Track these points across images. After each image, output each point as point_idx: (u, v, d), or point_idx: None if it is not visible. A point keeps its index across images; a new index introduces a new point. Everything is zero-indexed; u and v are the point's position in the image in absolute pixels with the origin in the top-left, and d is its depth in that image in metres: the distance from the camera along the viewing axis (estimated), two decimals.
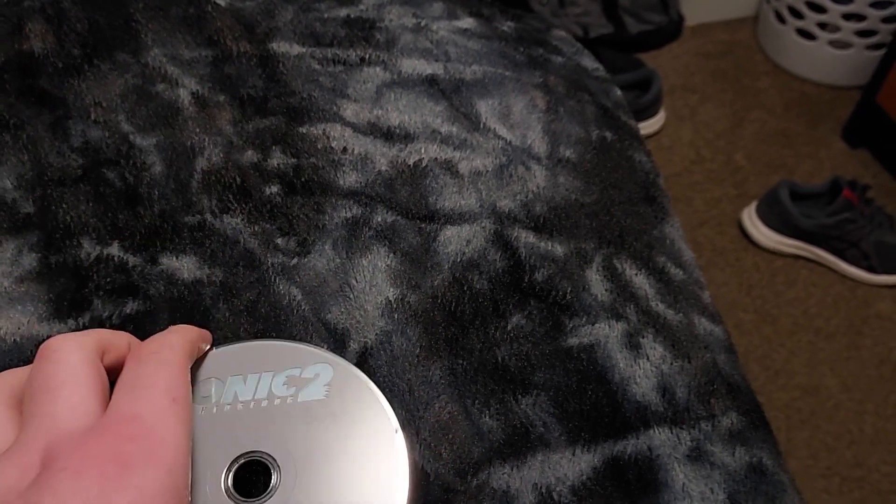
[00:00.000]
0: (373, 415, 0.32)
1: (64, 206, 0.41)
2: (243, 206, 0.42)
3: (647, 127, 1.43)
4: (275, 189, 0.43)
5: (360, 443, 0.31)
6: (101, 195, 0.41)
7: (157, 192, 0.42)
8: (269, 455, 0.30)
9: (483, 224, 0.43)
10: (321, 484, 0.30)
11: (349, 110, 0.47)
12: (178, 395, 0.26)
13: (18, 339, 0.36)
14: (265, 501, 0.29)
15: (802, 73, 1.56)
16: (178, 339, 0.29)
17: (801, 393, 1.14)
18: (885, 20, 1.41)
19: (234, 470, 0.30)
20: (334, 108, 0.47)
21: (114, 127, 0.44)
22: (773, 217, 1.26)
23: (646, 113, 1.41)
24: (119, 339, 0.28)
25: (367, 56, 0.51)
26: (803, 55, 1.53)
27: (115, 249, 0.39)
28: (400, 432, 0.32)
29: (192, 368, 0.30)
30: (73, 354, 0.26)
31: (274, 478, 0.30)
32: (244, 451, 0.30)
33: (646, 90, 1.41)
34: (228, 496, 0.29)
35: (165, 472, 0.23)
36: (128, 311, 0.37)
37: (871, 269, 1.24)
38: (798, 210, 1.25)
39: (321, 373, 0.32)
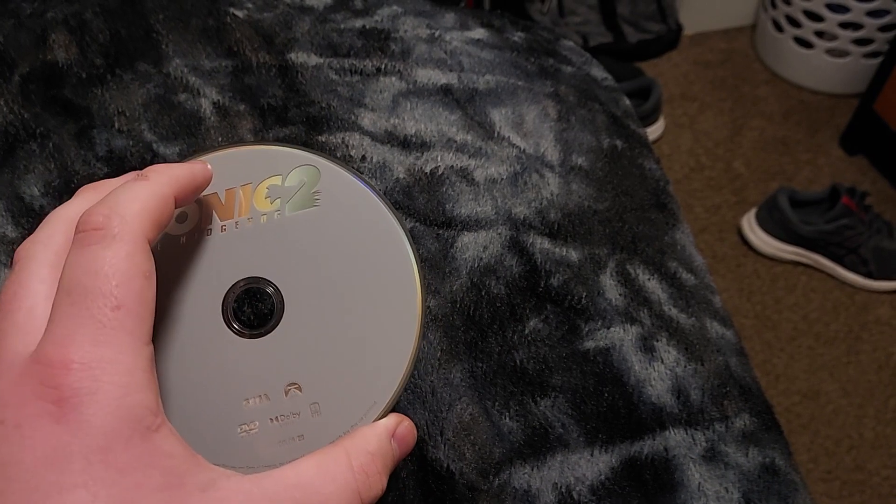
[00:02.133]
0: (376, 225, 0.28)
1: None
2: None
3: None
4: None
5: (365, 260, 0.28)
6: (270, 309, 0.42)
7: None
8: (266, 280, 0.27)
9: (499, 230, 0.45)
10: (329, 310, 0.27)
11: (367, 119, 0.49)
12: (122, 300, 0.22)
13: None
14: (271, 330, 0.27)
15: (800, 82, 1.58)
16: (132, 200, 0.23)
17: (801, 398, 1.15)
18: (882, 29, 1.43)
19: (231, 303, 0.27)
20: (352, 117, 0.48)
21: (137, 136, 0.45)
22: (773, 224, 1.28)
23: (645, 121, 1.43)
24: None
25: (383, 66, 0.52)
26: (801, 63, 1.55)
27: None
28: (409, 246, 0.28)
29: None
30: (36, 263, 0.24)
31: (276, 306, 0.27)
32: (237, 279, 0.27)
33: (645, 98, 1.42)
34: (231, 329, 0.27)
35: (115, 405, 0.21)
36: None
37: (869, 275, 1.25)
38: (797, 217, 1.26)
39: (306, 179, 0.28)
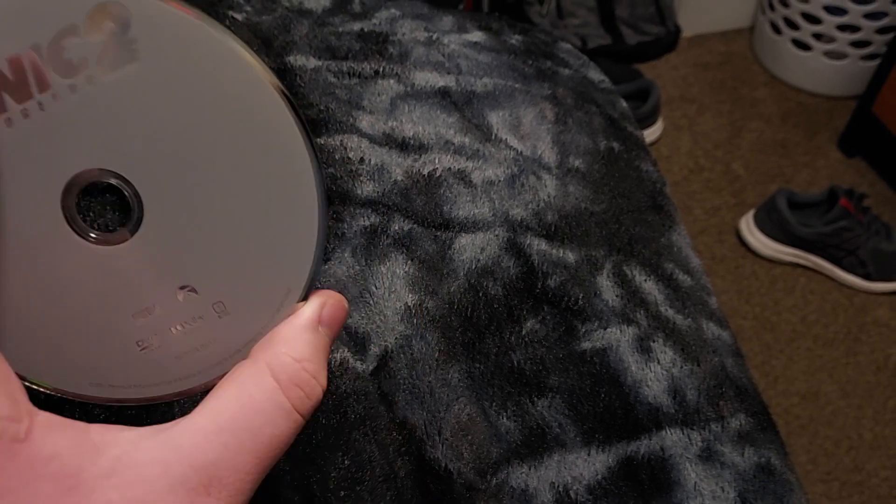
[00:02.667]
0: (216, 64, 0.22)
1: (91, 214, 0.42)
2: None
3: (645, 137, 1.45)
4: None
5: (217, 112, 0.22)
6: (127, 206, 0.42)
7: None
8: (115, 173, 0.22)
9: (496, 232, 0.45)
10: (202, 193, 0.22)
11: (365, 122, 0.49)
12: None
13: None
14: (138, 230, 0.22)
15: (799, 84, 1.58)
16: None
17: (799, 399, 1.15)
18: (880, 31, 1.43)
19: (72, 208, 0.22)
20: (351, 119, 0.49)
21: None
22: (771, 225, 1.28)
23: (644, 123, 1.43)
24: None
25: (381, 69, 0.52)
26: (799, 66, 1.55)
27: None
28: (265, 74, 0.22)
29: None
30: None
31: (135, 202, 0.22)
32: (69, 177, 0.22)
33: (644, 100, 1.43)
34: (87, 239, 0.22)
35: None
36: None
37: (867, 277, 1.26)
38: (795, 218, 1.27)
39: (112, 23, 0.21)
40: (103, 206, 0.23)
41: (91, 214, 0.22)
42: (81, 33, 0.20)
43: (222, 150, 0.22)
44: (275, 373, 0.21)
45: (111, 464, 0.19)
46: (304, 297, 0.23)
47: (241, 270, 0.23)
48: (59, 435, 0.19)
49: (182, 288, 0.22)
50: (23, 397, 0.19)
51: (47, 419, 0.19)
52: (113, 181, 0.22)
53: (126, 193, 0.22)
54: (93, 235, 0.22)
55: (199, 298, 0.22)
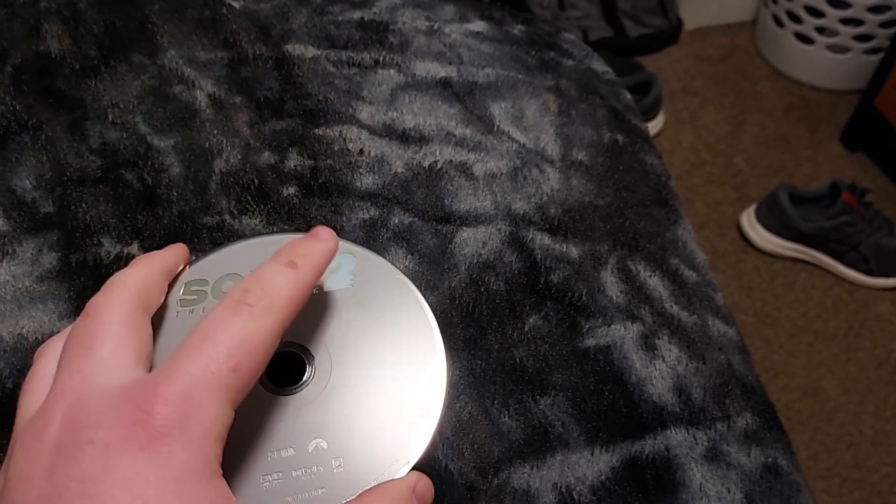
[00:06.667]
0: (404, 303, 0.31)
1: (84, 205, 0.41)
2: (262, 207, 0.42)
3: None
4: (292, 191, 0.43)
5: (393, 332, 0.30)
6: (120, 196, 0.41)
7: (175, 194, 0.42)
8: (301, 345, 0.30)
9: (498, 226, 0.44)
10: (358, 375, 0.29)
11: (364, 112, 0.48)
12: (240, 365, 0.24)
13: (40, 337, 0.36)
14: (301, 390, 0.29)
15: (801, 78, 1.57)
16: (283, 286, 0.26)
17: (800, 395, 1.14)
18: (883, 25, 1.42)
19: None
20: (350, 110, 0.48)
21: (131, 128, 0.44)
22: (773, 220, 1.27)
23: (646, 116, 1.42)
24: (163, 284, 0.29)
25: (382, 58, 0.51)
26: (802, 59, 1.54)
27: (134, 249, 0.39)
28: (433, 321, 0.31)
29: (200, 271, 0.30)
30: (114, 312, 0.25)
31: (308, 368, 0.29)
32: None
33: (645, 93, 1.42)
34: (264, 387, 0.29)
35: (196, 446, 0.22)
36: None
37: (869, 272, 1.25)
38: (797, 213, 1.26)
39: (343, 262, 0.31)
40: (285, 366, 0.29)
41: (275, 370, 0.28)
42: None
43: (384, 347, 0.30)
44: None
45: None
46: (406, 472, 0.28)
47: (366, 438, 0.28)
48: (230, 494, 0.24)
49: (316, 439, 0.28)
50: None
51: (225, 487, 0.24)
52: (300, 352, 0.29)
53: (306, 361, 0.29)
54: (270, 385, 0.29)
55: (325, 451, 0.28)
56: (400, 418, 0.29)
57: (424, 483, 0.28)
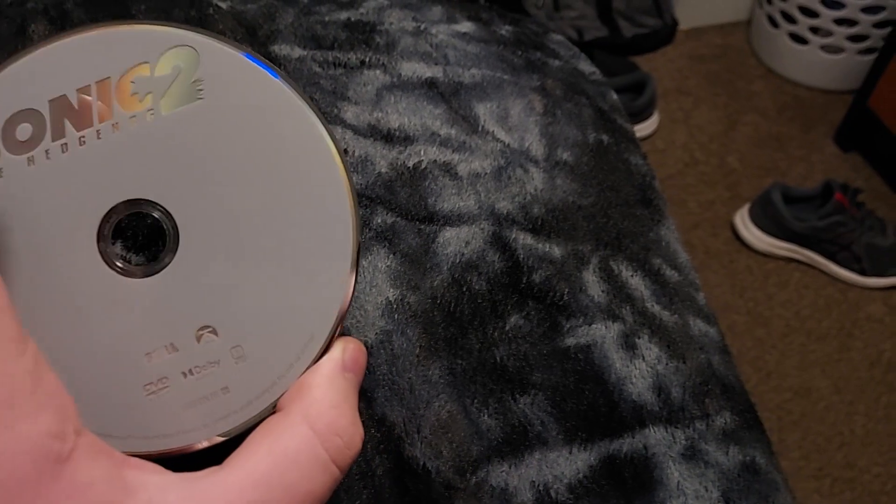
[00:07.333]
0: (277, 110, 0.23)
1: None
2: None
3: (641, 130, 1.44)
4: None
5: (277, 165, 0.22)
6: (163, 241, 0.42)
7: None
8: (154, 203, 0.22)
9: (482, 225, 0.44)
10: (238, 233, 0.22)
11: (349, 112, 0.48)
12: None
13: None
14: (166, 265, 0.22)
15: (795, 77, 1.57)
16: None
17: (792, 394, 1.15)
18: (877, 25, 1.43)
19: (107, 236, 0.22)
20: (335, 110, 0.48)
21: None
22: (766, 220, 1.27)
23: (640, 116, 1.42)
24: None
25: (368, 59, 0.51)
26: (796, 59, 1.54)
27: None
28: (328, 139, 0.23)
29: None
30: None
31: (169, 235, 0.22)
32: (111, 205, 0.22)
33: (640, 93, 1.42)
34: (115, 269, 0.22)
35: (1, 450, 0.16)
36: None
37: (861, 272, 1.25)
38: (790, 213, 1.26)
39: (182, 64, 0.22)
40: (135, 236, 0.22)
41: (123, 244, 0.22)
42: (152, 70, 0.22)
43: (265, 196, 0.22)
44: (311, 422, 0.21)
45: None
46: (325, 349, 0.23)
47: (266, 314, 0.22)
48: (98, 462, 0.18)
49: (203, 328, 0.22)
50: (73, 413, 0.18)
51: (91, 442, 0.18)
52: (155, 213, 0.22)
53: (165, 226, 0.22)
54: (119, 265, 0.22)
55: (218, 341, 0.22)
56: (305, 281, 0.22)
57: (352, 350, 0.23)
